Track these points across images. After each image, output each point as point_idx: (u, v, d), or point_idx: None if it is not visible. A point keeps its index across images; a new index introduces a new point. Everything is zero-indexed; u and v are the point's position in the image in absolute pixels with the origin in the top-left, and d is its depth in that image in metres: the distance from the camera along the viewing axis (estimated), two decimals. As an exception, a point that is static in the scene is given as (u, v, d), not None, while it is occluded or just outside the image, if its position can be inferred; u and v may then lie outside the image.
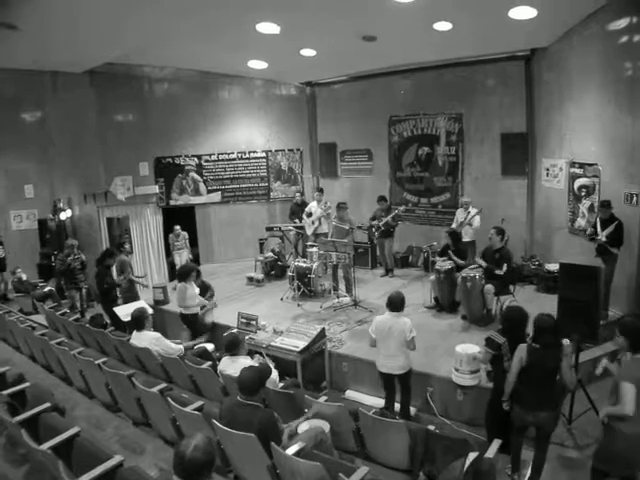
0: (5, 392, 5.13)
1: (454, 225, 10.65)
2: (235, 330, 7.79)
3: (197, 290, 8.76)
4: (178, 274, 8.99)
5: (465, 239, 10.28)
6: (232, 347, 6.00)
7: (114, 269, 10.31)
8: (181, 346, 7.14)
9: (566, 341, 5.07)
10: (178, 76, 13.40)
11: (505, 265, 8.40)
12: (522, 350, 4.95)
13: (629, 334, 4.32)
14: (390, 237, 11.68)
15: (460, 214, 10.74)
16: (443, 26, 9.14)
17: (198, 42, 10.20)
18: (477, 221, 10.29)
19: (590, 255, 8.03)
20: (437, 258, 9.67)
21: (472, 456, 4.26)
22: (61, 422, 4.39)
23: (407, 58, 11.70)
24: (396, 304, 6.31)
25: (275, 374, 6.10)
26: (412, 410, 6.88)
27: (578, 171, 9.50)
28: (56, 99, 12.08)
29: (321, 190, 12.19)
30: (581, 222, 9.46)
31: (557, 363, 4.82)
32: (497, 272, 8.41)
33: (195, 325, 8.68)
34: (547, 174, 10.68)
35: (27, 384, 5.47)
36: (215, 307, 9.28)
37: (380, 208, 11.59)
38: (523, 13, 8.35)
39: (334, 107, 14.32)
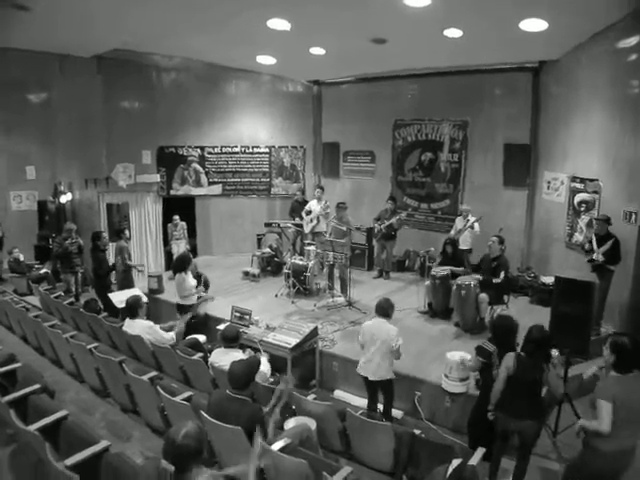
0: (-5, 371, 5.16)
1: (452, 232, 10.68)
2: (228, 324, 7.80)
3: (194, 282, 8.75)
4: (175, 265, 8.84)
5: (462, 247, 10.30)
6: (233, 340, 5.99)
7: (111, 254, 10.32)
8: (172, 334, 7.14)
9: (555, 352, 5.10)
10: (186, 66, 13.41)
11: (502, 273, 8.44)
12: (510, 358, 4.98)
13: (616, 351, 4.34)
14: (392, 240, 11.72)
15: (459, 222, 10.75)
16: (454, 33, 9.15)
17: (208, 34, 10.18)
18: (477, 226, 10.31)
19: (586, 270, 8.04)
20: (434, 264, 9.70)
21: (455, 462, 4.28)
22: (50, 404, 4.41)
23: (416, 63, 11.71)
24: (384, 310, 6.29)
25: (266, 368, 6.11)
26: (399, 413, 6.92)
27: (579, 186, 9.54)
28: (63, 82, 12.06)
29: (322, 188, 12.20)
30: (579, 237, 9.50)
31: (540, 374, 4.84)
32: (494, 280, 8.43)
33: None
34: (548, 187, 10.71)
35: (18, 364, 5.49)
36: (212, 300, 9.25)
37: (385, 209, 11.60)
38: (534, 25, 8.37)
39: (340, 107, 14.33)
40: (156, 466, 2.81)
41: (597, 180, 8.98)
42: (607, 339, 4.50)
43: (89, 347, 6.13)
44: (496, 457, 5.28)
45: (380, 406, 6.67)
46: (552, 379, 4.88)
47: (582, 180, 9.45)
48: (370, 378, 6.33)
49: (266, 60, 12.51)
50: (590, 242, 8.24)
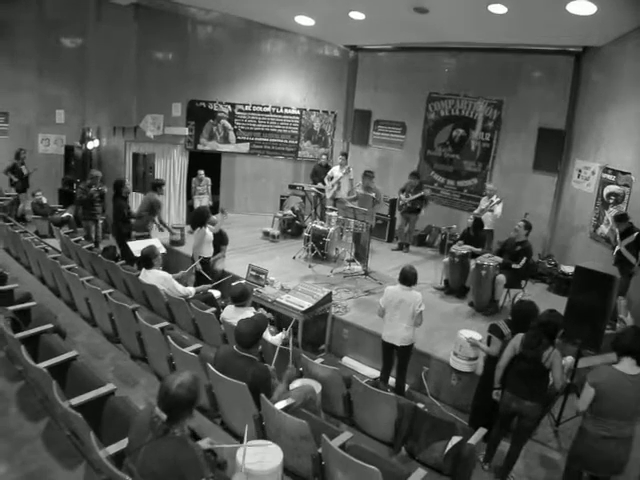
0: (11, 308, 5.23)
1: (477, 211, 10.51)
2: (243, 281, 7.82)
3: (212, 236, 8.75)
4: (195, 220, 8.83)
5: (484, 227, 10.16)
6: (241, 298, 6.02)
7: (133, 201, 10.35)
8: (190, 289, 7.17)
9: (570, 358, 5.09)
10: (223, 21, 13.24)
11: (524, 259, 8.34)
12: (517, 339, 4.99)
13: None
14: (416, 214, 11.66)
15: (483, 202, 10.61)
16: (498, 9, 8.88)
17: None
18: (499, 209, 10.14)
19: (608, 263, 7.91)
20: (455, 241, 9.66)
21: (455, 440, 4.31)
22: (61, 344, 4.48)
23: (456, 36, 11.44)
24: (409, 278, 6.28)
25: (277, 337, 6.09)
26: (405, 386, 6.93)
27: (610, 177, 9.34)
28: (98, 28, 12.05)
29: (345, 155, 12.12)
30: (604, 229, 9.33)
31: (540, 359, 4.79)
32: (514, 266, 8.35)
33: (206, 270, 8.68)
34: (578, 175, 10.50)
35: (33, 303, 5.58)
36: (223, 257, 9.25)
37: (410, 183, 11.51)
38: (582, 8, 8.07)
39: (375, 75, 14.11)
40: (150, 412, 2.84)
41: (629, 174, 8.78)
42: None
43: (104, 292, 6.19)
44: (495, 439, 5.30)
45: (392, 379, 6.72)
46: (556, 368, 4.80)
47: (614, 172, 9.24)
48: (398, 344, 6.35)
49: (305, 21, 12.31)
50: (615, 233, 8.13)
